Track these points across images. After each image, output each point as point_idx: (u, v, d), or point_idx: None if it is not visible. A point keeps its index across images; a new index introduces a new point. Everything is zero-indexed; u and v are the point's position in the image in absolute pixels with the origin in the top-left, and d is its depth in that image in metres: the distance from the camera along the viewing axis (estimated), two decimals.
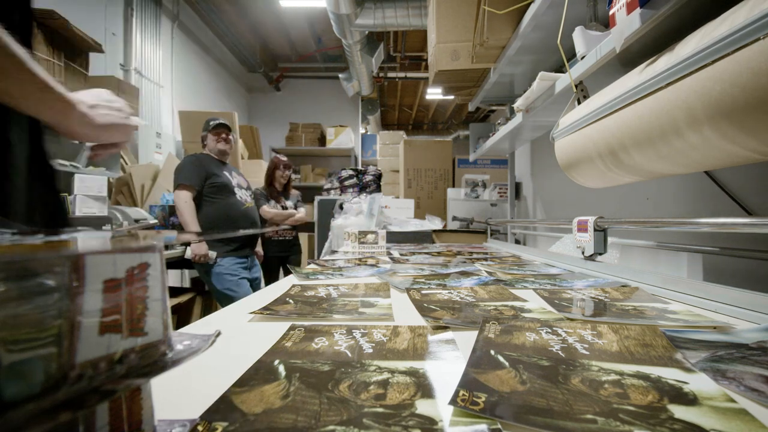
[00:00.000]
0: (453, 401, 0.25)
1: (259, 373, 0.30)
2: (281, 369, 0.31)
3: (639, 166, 0.73)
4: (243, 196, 1.94)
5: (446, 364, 0.32)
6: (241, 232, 1.89)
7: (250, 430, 0.23)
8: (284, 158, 2.44)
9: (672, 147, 0.62)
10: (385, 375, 0.30)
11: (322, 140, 4.69)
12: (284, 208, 2.41)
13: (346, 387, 0.28)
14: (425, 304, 0.55)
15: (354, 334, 0.40)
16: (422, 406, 0.25)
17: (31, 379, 0.11)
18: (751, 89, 0.46)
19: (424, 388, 0.28)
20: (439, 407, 0.25)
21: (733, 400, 0.25)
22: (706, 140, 0.56)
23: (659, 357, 0.33)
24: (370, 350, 0.35)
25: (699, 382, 0.28)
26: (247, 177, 2.16)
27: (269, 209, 2.32)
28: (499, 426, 0.23)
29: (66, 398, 0.12)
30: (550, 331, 0.40)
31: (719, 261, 0.88)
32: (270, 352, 0.35)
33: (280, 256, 2.44)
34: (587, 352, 0.34)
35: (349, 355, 0.34)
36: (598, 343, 0.36)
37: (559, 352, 0.34)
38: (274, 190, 2.41)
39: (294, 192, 2.56)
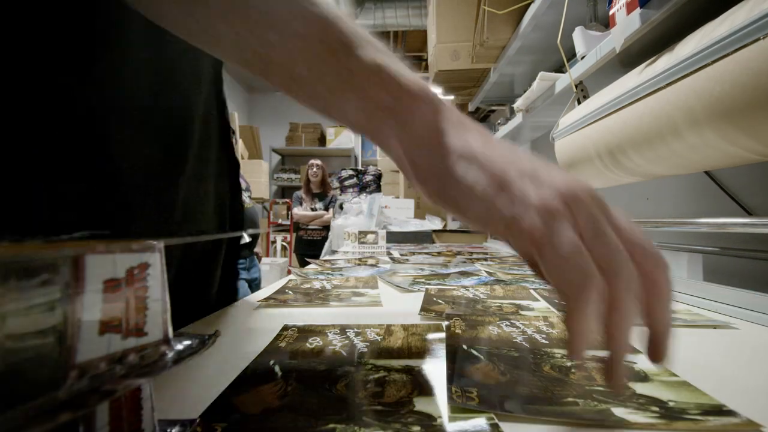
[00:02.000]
0: (450, 398, 0.25)
1: (255, 374, 0.30)
2: (277, 369, 0.31)
3: (638, 166, 0.73)
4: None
5: (440, 361, 0.33)
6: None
7: (250, 430, 0.23)
8: (316, 160, 2.61)
9: (671, 148, 0.62)
10: (382, 373, 0.30)
11: (322, 140, 4.69)
12: (313, 209, 2.58)
13: (343, 386, 0.28)
14: (434, 298, 0.56)
15: (348, 333, 0.40)
16: (420, 404, 0.25)
17: (31, 379, 0.11)
18: (752, 89, 0.46)
19: (421, 386, 0.28)
20: (438, 404, 0.25)
21: (675, 374, 0.30)
22: (706, 141, 0.56)
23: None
24: (365, 349, 0.35)
25: (645, 361, 0.30)
26: (247, 177, 2.16)
27: (297, 212, 2.52)
28: (496, 420, 0.23)
29: (66, 398, 0.12)
30: (509, 324, 0.42)
31: (719, 261, 0.88)
32: (264, 353, 0.35)
33: (309, 255, 2.48)
34: (546, 341, 0.37)
35: (344, 354, 0.34)
36: (552, 333, 0.39)
37: (523, 342, 0.37)
38: (309, 191, 2.59)
39: (331, 193, 2.70)
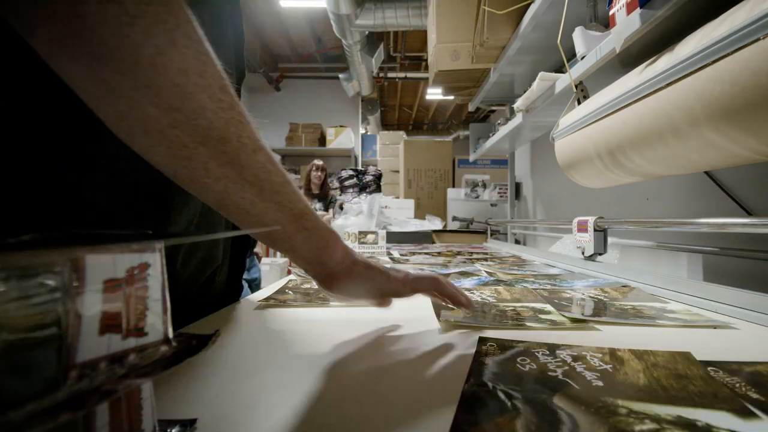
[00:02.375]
0: None
1: (481, 398, 0.26)
2: (503, 396, 0.26)
3: (638, 166, 0.73)
4: None
5: (724, 414, 0.24)
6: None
7: None
8: (318, 161, 2.60)
9: (671, 148, 0.62)
10: (650, 425, 0.22)
11: (322, 140, 4.68)
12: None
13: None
14: (443, 303, 0.56)
15: (561, 355, 0.33)
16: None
17: (31, 379, 0.11)
18: (751, 89, 0.46)
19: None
20: None
21: None
22: (706, 141, 0.56)
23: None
24: (600, 383, 0.28)
25: None
26: None
27: None
28: None
29: (66, 398, 0.12)
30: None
31: (719, 261, 0.88)
32: (476, 372, 0.30)
33: None
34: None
35: (575, 386, 0.27)
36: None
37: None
38: (309, 193, 2.59)
39: (331, 194, 2.70)
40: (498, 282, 0.73)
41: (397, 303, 0.51)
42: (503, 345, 0.36)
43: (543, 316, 0.48)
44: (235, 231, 0.51)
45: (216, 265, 0.51)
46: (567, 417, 0.23)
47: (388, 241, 1.62)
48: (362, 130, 5.21)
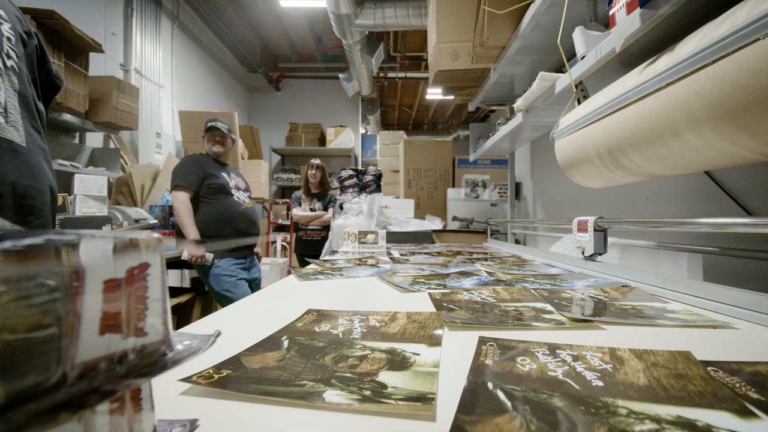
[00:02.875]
0: None
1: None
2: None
3: (638, 166, 0.73)
4: (240, 196, 1.94)
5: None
6: (240, 241, 1.89)
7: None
8: (314, 160, 2.64)
9: (671, 148, 0.62)
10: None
11: (322, 140, 4.69)
12: (312, 209, 2.61)
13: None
14: (444, 303, 0.55)
15: (560, 355, 0.37)
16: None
17: (31, 379, 0.11)
18: (751, 89, 0.46)
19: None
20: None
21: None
22: (706, 141, 0.56)
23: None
24: (600, 382, 0.30)
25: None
26: (246, 177, 2.16)
27: (296, 212, 2.57)
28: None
29: (66, 398, 0.12)
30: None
31: (719, 261, 0.88)
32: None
33: (309, 255, 2.47)
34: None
35: (575, 385, 0.30)
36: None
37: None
38: (308, 191, 2.63)
39: (330, 192, 2.72)
40: (498, 282, 0.73)
41: (400, 301, 0.51)
42: (503, 345, 0.37)
43: (544, 316, 0.48)
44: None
45: None
46: (566, 417, 0.23)
47: (388, 241, 1.62)
48: (362, 130, 5.21)
